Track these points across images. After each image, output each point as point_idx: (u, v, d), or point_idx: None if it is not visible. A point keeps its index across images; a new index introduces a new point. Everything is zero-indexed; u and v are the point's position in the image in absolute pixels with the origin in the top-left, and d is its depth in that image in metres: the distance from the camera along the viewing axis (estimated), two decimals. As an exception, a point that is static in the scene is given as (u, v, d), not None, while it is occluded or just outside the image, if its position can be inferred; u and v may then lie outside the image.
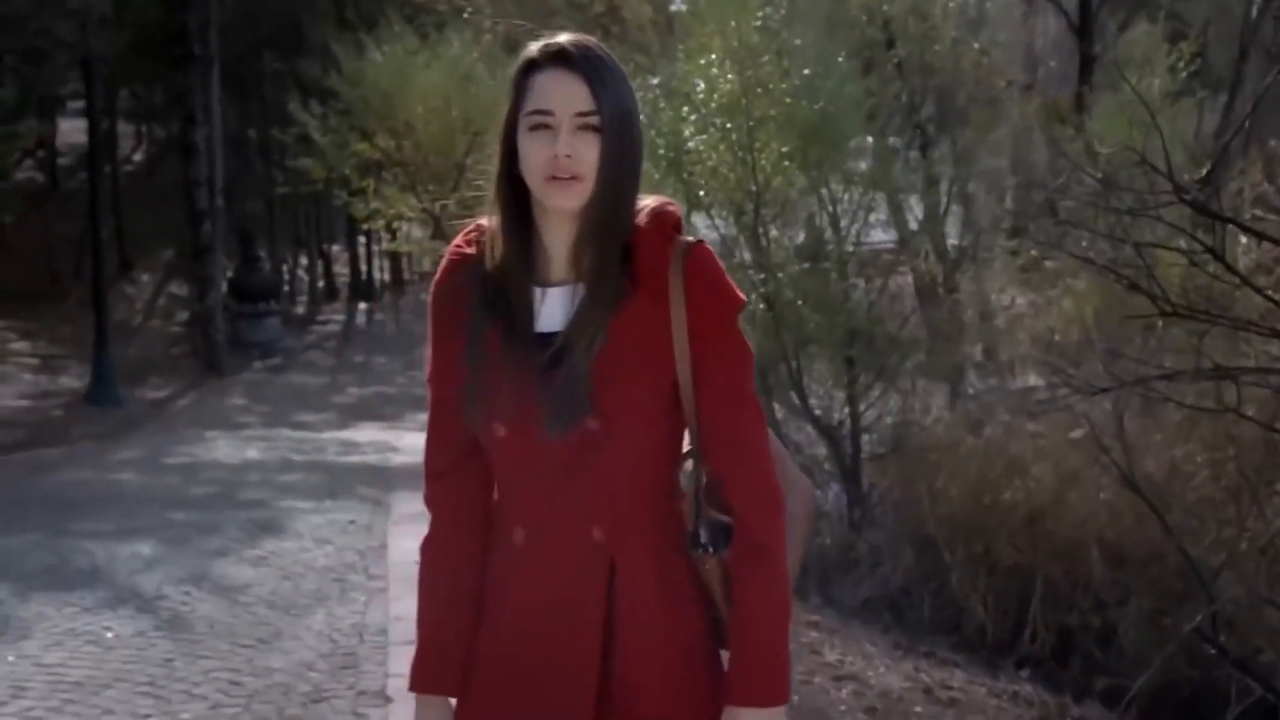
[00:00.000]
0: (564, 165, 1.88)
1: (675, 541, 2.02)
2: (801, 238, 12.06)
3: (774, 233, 11.14)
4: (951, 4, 14.29)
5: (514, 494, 2.03)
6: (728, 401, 1.98)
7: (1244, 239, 8.66)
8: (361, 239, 30.59)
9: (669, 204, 2.01)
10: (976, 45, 14.84)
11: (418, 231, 22.32)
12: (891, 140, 13.92)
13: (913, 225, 14.24)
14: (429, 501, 2.16)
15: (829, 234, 11.93)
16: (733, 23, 10.42)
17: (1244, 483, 7.93)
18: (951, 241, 14.50)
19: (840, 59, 11.04)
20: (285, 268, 29.86)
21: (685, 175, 10.31)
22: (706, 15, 11.11)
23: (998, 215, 14.86)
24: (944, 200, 14.49)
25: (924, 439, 12.56)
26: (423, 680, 2.09)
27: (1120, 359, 7.83)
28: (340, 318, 29.08)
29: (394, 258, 29.89)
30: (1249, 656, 6.12)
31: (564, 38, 1.94)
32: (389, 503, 9.68)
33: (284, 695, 5.21)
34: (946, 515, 10.99)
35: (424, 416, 2.10)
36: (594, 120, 1.89)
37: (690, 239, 1.97)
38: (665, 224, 1.97)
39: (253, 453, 13.16)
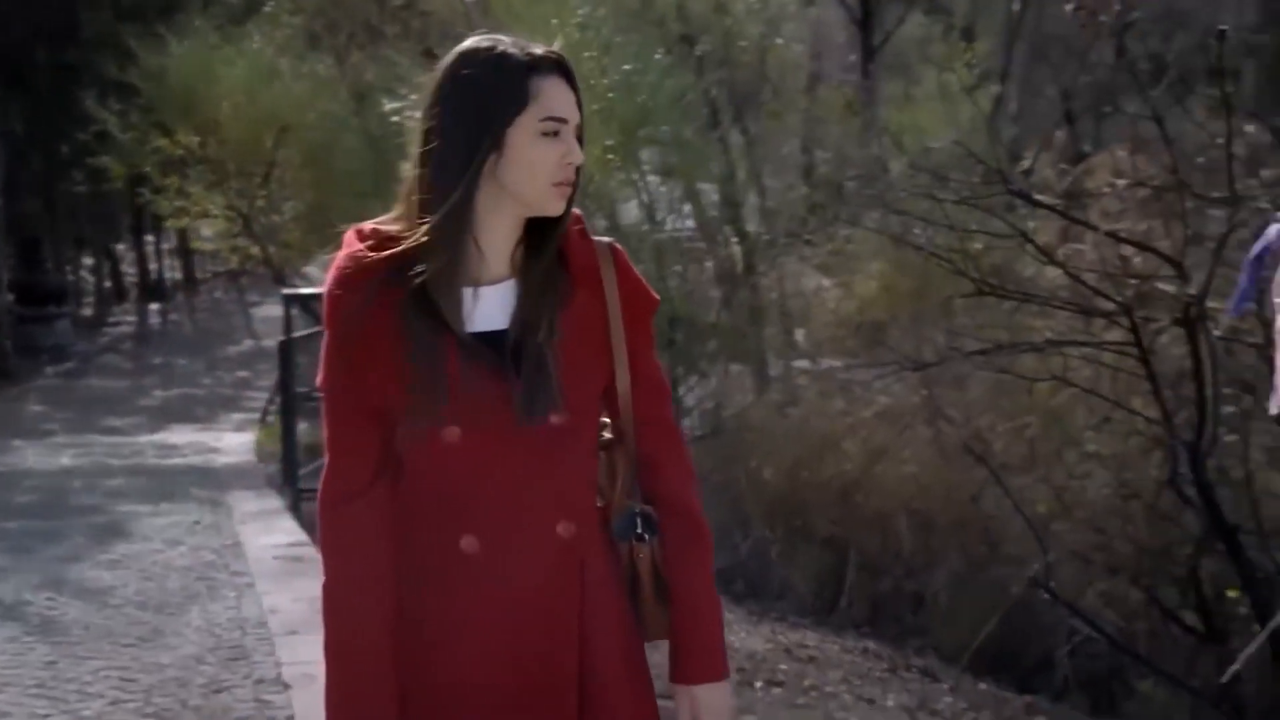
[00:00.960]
0: (571, 172, 1.95)
1: (608, 531, 2.06)
2: (606, 226, 12.41)
3: (598, 224, 11.48)
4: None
5: (459, 500, 1.94)
6: (654, 390, 2.06)
7: (1032, 223, 9.43)
8: (149, 238, 29.66)
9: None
10: (780, 40, 15.40)
11: (206, 230, 21.88)
12: (689, 132, 14.37)
13: (713, 213, 14.75)
14: (337, 528, 1.97)
15: (645, 225, 12.36)
16: (554, 20, 10.69)
17: (1052, 448, 8.59)
18: (751, 229, 15.04)
19: (658, 55, 11.42)
20: (68, 269, 28.83)
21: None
22: (523, 12, 11.36)
23: (793, 202, 15.45)
24: (741, 189, 15.00)
25: (739, 421, 13.08)
26: None
27: (958, 336, 8.39)
28: (132, 319, 28.18)
29: (185, 257, 29.10)
30: (1073, 602, 6.74)
31: (541, 45, 1.96)
32: (228, 503, 9.68)
33: (181, 688, 5.29)
34: (765, 493, 11.50)
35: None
36: (579, 130, 1.97)
37: (605, 239, 2.06)
38: (581, 224, 2.05)
39: (66, 459, 12.85)
